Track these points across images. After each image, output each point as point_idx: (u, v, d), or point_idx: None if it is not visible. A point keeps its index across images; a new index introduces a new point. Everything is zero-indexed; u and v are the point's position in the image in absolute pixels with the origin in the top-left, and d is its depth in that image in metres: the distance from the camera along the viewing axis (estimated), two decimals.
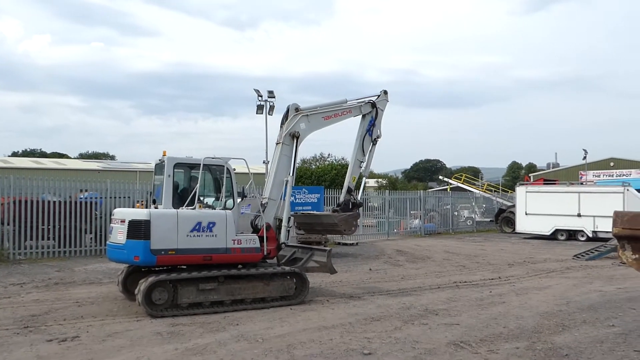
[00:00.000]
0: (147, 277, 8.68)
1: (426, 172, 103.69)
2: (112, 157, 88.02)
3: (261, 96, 26.43)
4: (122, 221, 8.95)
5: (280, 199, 10.40)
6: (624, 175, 43.04)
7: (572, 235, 24.79)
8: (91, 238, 17.05)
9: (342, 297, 10.53)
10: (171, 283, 8.78)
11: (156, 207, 9.56)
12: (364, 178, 12.49)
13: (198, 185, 9.30)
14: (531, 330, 8.03)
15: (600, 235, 22.97)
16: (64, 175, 19.40)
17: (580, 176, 45.66)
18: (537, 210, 25.68)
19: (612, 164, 49.41)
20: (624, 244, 6.19)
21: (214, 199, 9.96)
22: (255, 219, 10.01)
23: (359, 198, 12.16)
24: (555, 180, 33.11)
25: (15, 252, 15.60)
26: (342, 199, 11.92)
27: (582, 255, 17.72)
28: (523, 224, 26.38)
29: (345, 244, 22.02)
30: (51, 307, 9.36)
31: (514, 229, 27.48)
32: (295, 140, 10.63)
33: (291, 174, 10.54)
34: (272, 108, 26.53)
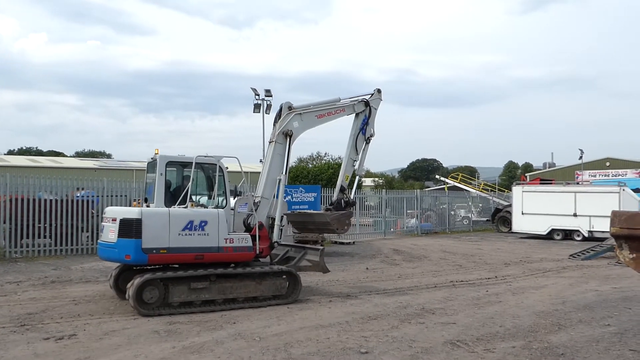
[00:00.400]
0: (138, 275, 8.64)
1: (423, 171, 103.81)
2: (109, 156, 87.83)
3: (258, 95, 26.46)
4: (114, 220, 8.91)
5: (273, 197, 10.36)
6: (619, 175, 43.23)
7: (568, 235, 24.86)
8: (88, 236, 17.02)
9: (339, 296, 10.55)
10: (162, 282, 8.74)
11: (147, 206, 9.53)
12: (357, 177, 12.46)
13: (190, 183, 9.27)
14: (527, 329, 8.06)
15: (596, 235, 23.06)
16: (60, 173, 19.33)
17: (576, 176, 45.85)
18: (533, 209, 25.75)
19: (608, 163, 49.59)
20: (622, 244, 6.21)
21: (207, 197, 9.92)
22: (248, 218, 9.97)
23: (352, 197, 12.11)
24: (551, 180, 33.24)
25: (12, 250, 15.57)
26: (335, 197, 11.90)
27: (578, 255, 17.78)
28: (519, 224, 26.45)
29: (342, 243, 22.04)
30: (48, 305, 9.35)
31: (511, 229, 27.54)
32: (288, 139, 10.61)
33: (284, 173, 10.53)
34: (269, 107, 26.54)
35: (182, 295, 8.83)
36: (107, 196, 17.37)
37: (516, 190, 27.11)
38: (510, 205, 28.67)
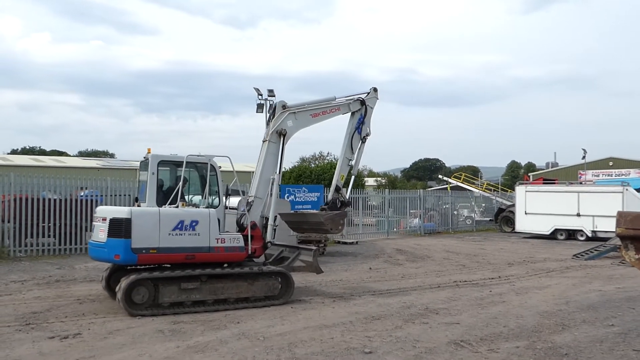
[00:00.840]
0: (128, 275, 8.59)
1: (425, 171, 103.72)
2: (112, 155, 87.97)
3: (261, 95, 26.43)
4: (104, 219, 8.83)
5: (267, 197, 10.25)
6: (623, 175, 43.10)
7: (571, 234, 24.82)
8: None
9: (342, 296, 10.56)
10: (152, 282, 8.67)
11: (138, 205, 9.48)
12: (353, 176, 12.29)
13: (181, 183, 9.20)
14: (531, 329, 8.06)
15: (600, 235, 23.01)
16: (63, 173, 19.39)
17: (579, 176, 45.73)
18: (536, 209, 25.72)
19: (611, 163, 49.47)
20: (627, 244, 6.22)
21: (200, 197, 9.82)
22: (241, 218, 9.89)
23: (347, 196, 11.93)
24: (554, 180, 33.17)
25: (16, 249, 15.62)
26: (330, 197, 11.73)
27: (582, 255, 17.75)
28: (522, 224, 26.42)
29: (345, 243, 22.05)
30: (52, 304, 9.38)
31: (514, 229, 27.51)
32: (282, 138, 10.47)
33: (278, 172, 10.41)
34: (272, 107, 26.48)
35: (172, 295, 8.74)
36: (111, 195, 17.41)
37: (519, 190, 27.06)
38: (513, 205, 28.63)
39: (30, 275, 12.61)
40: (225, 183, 10.02)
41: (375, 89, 12.24)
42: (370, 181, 63.11)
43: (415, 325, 8.25)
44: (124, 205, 15.71)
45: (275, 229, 10.27)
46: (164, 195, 9.29)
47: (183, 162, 9.32)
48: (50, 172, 20.04)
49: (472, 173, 61.53)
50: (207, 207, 9.44)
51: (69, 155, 76.71)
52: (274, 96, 27.75)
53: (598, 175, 45.52)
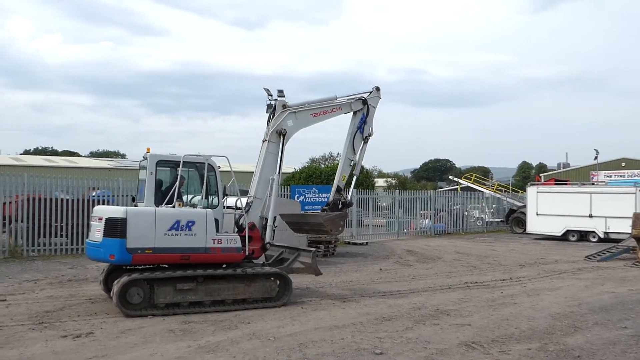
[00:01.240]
0: (123, 275, 8.58)
1: (435, 171, 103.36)
2: (123, 156, 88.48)
3: (271, 95, 26.41)
4: (100, 219, 8.79)
5: (266, 197, 10.12)
6: (635, 175, 42.72)
7: (583, 236, 24.60)
8: None
9: (352, 297, 10.55)
10: (147, 282, 8.63)
11: (135, 205, 9.46)
12: (354, 177, 12.13)
13: (178, 182, 9.11)
14: (543, 331, 8.01)
15: (612, 236, 22.79)
16: (75, 173, 19.56)
17: (591, 176, 45.38)
18: (548, 210, 25.53)
19: (623, 164, 49.01)
20: None
21: (199, 197, 9.67)
22: (240, 218, 9.80)
23: (349, 197, 11.77)
24: (566, 181, 32.94)
25: (29, 249, 15.78)
26: (331, 198, 11.58)
27: (594, 257, 17.60)
28: (534, 225, 26.24)
29: (355, 244, 22.04)
30: (65, 303, 9.46)
31: (525, 230, 27.34)
32: (282, 138, 10.33)
33: (277, 173, 10.25)
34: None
35: (167, 296, 8.69)
36: (122, 196, 17.51)
37: (531, 190, 26.90)
38: (524, 206, 28.46)
39: (43, 274, 12.73)
40: (224, 184, 9.92)
41: (377, 88, 11.96)
42: (380, 182, 63.03)
43: (426, 326, 8.23)
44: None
45: (274, 230, 10.10)
46: (163, 195, 9.19)
47: (180, 161, 9.23)
48: (63, 173, 20.22)
49: (482, 174, 61.22)
50: (205, 207, 9.32)
51: (81, 156, 77.32)
52: (284, 96, 27.71)
53: (610, 176, 45.15)
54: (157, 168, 9.23)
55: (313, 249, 10.45)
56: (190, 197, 9.92)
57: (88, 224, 16.50)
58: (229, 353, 6.73)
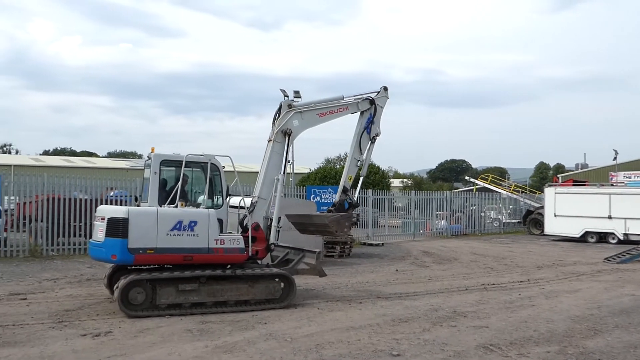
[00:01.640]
0: (125, 276, 8.55)
1: (451, 172, 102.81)
2: (140, 156, 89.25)
3: (287, 96, 26.54)
4: (103, 219, 8.76)
5: (271, 198, 10.04)
6: None
7: (602, 237, 24.31)
8: None
9: (369, 298, 10.53)
10: (150, 283, 8.58)
11: (138, 205, 9.44)
12: (361, 177, 12.01)
13: (180, 182, 9.05)
14: (562, 334, 7.92)
15: (632, 237, 22.52)
16: (93, 173, 19.79)
17: (610, 177, 44.76)
18: (566, 211, 25.26)
19: None
20: None
21: (204, 197, 9.57)
22: (245, 219, 9.73)
23: (355, 198, 11.64)
24: (584, 181, 32.57)
25: (49, 248, 16.01)
26: (337, 198, 11.47)
27: (613, 258, 17.37)
28: (552, 226, 25.99)
29: (371, 245, 22.01)
30: (84, 302, 9.57)
31: (543, 231, 27.09)
32: (287, 138, 10.23)
33: (282, 173, 10.14)
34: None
35: (169, 297, 8.65)
36: (140, 196, 17.60)
37: (548, 191, 26.65)
38: (542, 207, 28.20)
39: (63, 273, 12.89)
40: (227, 183, 9.82)
41: (385, 88, 11.83)
42: (395, 182, 62.85)
43: (443, 328, 8.18)
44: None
45: (279, 231, 10.01)
46: (167, 195, 9.15)
47: (186, 161, 9.20)
48: (81, 173, 20.44)
49: (499, 174, 60.76)
50: (210, 207, 9.26)
51: (99, 156, 78.23)
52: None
53: (630, 177, 44.45)
54: (161, 168, 9.19)
55: (317, 250, 10.29)
56: (198, 197, 9.82)
57: None
58: (246, 353, 6.75)
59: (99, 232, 8.83)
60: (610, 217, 23.83)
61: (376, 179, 42.65)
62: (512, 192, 37.97)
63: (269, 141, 10.33)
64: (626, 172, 45.96)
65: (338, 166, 49.90)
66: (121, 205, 17.16)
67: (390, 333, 7.81)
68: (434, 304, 10.01)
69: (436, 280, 13.18)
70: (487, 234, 30.48)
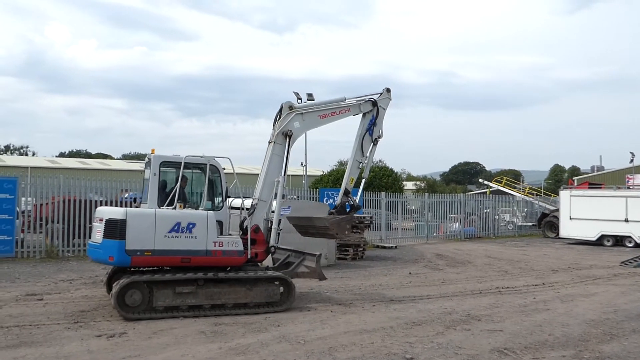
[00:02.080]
0: (122, 278, 8.53)
1: (465, 174, 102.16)
2: None
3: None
4: (101, 220, 8.74)
5: (271, 200, 9.99)
6: None
7: (619, 241, 24.04)
8: None
9: (382, 301, 10.50)
10: (146, 285, 8.55)
11: (137, 206, 9.41)
12: (363, 179, 11.94)
13: (179, 184, 9.02)
14: (578, 338, 7.83)
15: None
16: (108, 175, 19.97)
17: (627, 180, 44.18)
18: (582, 214, 25.02)
19: None
20: None
21: (203, 199, 9.49)
22: (245, 221, 9.68)
23: (357, 200, 11.56)
24: (601, 184, 32.20)
25: (64, 249, 16.17)
26: (338, 201, 11.39)
27: (630, 262, 17.16)
28: (567, 229, 25.75)
29: (384, 247, 21.95)
30: (99, 303, 9.65)
31: (558, 234, 26.85)
32: (287, 140, 10.16)
33: (283, 175, 10.07)
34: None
35: (167, 299, 8.58)
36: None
37: (564, 194, 26.40)
38: (557, 210, 27.95)
39: (78, 274, 13.01)
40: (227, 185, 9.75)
41: (388, 90, 11.71)
42: (409, 185, 62.62)
43: (457, 331, 8.13)
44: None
45: (279, 233, 9.94)
46: (166, 197, 9.12)
47: (186, 163, 9.17)
48: (96, 175, 20.69)
49: (513, 177, 60.28)
50: (209, 209, 9.21)
51: (113, 158, 78.89)
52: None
53: None
54: (161, 169, 9.16)
55: (317, 253, 10.17)
56: (195, 199, 9.77)
57: None
58: (259, 355, 6.76)
59: (97, 234, 8.81)
60: (627, 220, 23.55)
61: (389, 181, 42.55)
62: (526, 195, 37.65)
63: (269, 143, 10.28)
64: None
65: None
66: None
67: (404, 336, 7.78)
68: (447, 307, 9.95)
69: (450, 283, 13.11)
70: (501, 237, 30.27)
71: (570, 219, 25.52)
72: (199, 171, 9.56)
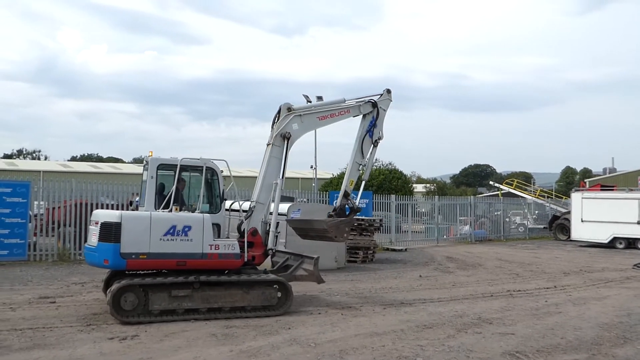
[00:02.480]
0: (118, 281, 8.50)
1: (475, 177, 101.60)
2: None
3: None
4: (97, 223, 8.72)
5: (270, 203, 9.91)
6: None
7: (631, 243, 23.82)
8: None
9: (392, 304, 10.48)
10: (142, 288, 8.48)
11: (134, 209, 9.48)
12: (363, 182, 11.84)
13: (174, 186, 8.97)
14: (590, 341, 7.78)
15: None
16: (119, 179, 20.08)
17: (639, 182, 43.81)
18: (593, 217, 24.83)
19: None
20: None
21: (200, 201, 9.40)
22: (242, 224, 9.64)
23: (357, 203, 11.48)
24: (613, 186, 31.94)
25: (76, 252, 16.29)
26: (338, 203, 11.32)
27: None
28: (579, 231, 25.56)
29: (394, 250, 21.92)
30: None
31: (569, 237, 26.66)
32: (286, 142, 10.04)
33: (281, 177, 9.97)
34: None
35: (162, 303, 8.52)
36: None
37: (575, 196, 26.22)
38: (568, 212, 27.75)
39: (90, 277, 13.10)
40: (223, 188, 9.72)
41: (388, 91, 11.57)
42: (419, 187, 62.45)
43: (468, 334, 8.10)
44: None
45: (277, 236, 9.88)
46: (163, 200, 9.06)
47: (184, 165, 9.13)
48: (107, 179, 20.82)
49: (524, 179, 59.92)
50: (206, 212, 9.18)
51: (125, 162, 79.37)
52: None
53: None
54: (158, 172, 9.12)
55: (316, 256, 10.07)
56: (193, 201, 9.71)
57: None
58: (270, 358, 6.78)
59: (93, 237, 8.80)
60: (639, 223, 23.33)
61: (399, 184, 42.47)
62: (537, 197, 37.43)
63: (267, 145, 10.18)
64: None
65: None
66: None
67: (415, 339, 7.76)
68: (458, 310, 9.92)
69: (460, 286, 13.06)
70: (512, 239, 30.10)
71: (582, 221, 25.33)
72: (196, 174, 9.52)
